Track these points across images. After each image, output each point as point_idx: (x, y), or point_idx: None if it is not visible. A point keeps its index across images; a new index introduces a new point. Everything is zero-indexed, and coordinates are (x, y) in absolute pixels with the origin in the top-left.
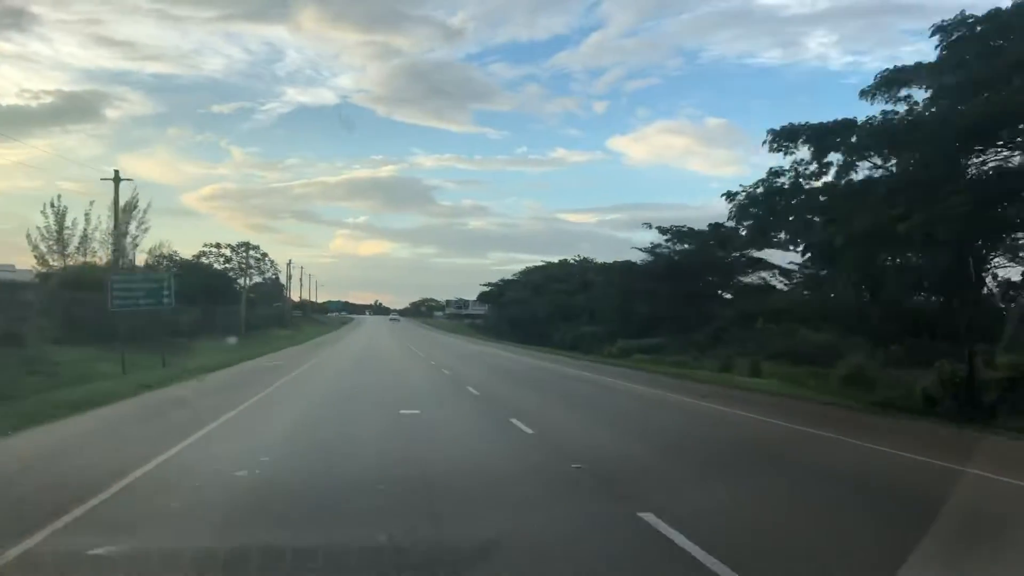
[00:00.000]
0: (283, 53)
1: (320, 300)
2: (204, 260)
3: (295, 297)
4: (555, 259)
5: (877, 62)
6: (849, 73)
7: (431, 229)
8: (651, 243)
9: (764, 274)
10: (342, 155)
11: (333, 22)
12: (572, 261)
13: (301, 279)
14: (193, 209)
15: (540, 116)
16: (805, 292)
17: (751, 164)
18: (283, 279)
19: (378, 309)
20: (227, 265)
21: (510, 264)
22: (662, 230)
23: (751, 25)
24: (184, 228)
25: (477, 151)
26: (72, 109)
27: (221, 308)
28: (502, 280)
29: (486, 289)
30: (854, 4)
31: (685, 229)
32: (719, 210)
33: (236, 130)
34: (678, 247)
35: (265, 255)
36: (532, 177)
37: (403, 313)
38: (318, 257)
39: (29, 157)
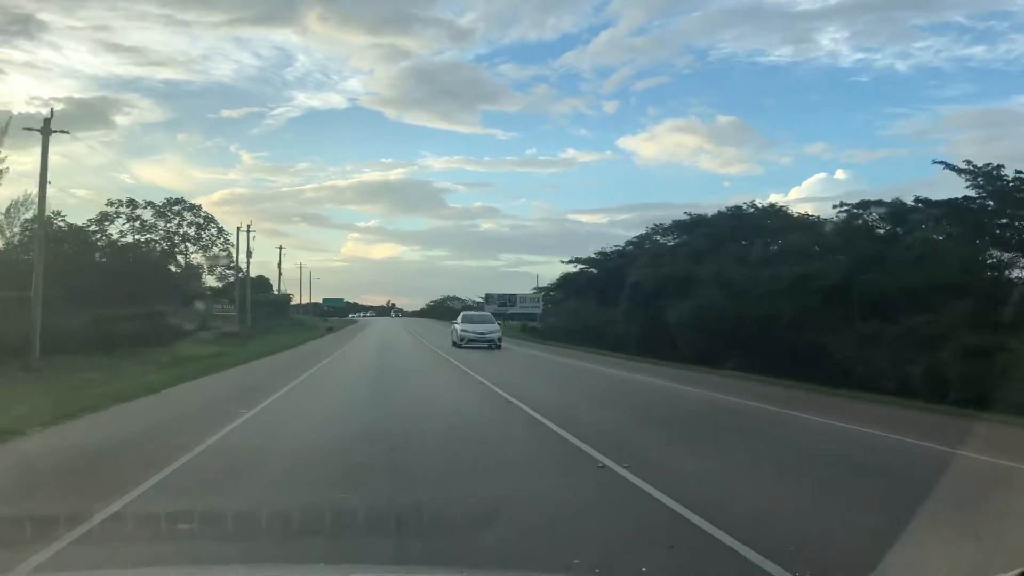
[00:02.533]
0: (292, 57)
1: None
2: (111, 232)
3: (298, 297)
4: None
5: (888, 59)
6: (860, 71)
7: (442, 231)
8: None
9: None
10: (352, 158)
11: (341, 25)
12: (726, 211)
13: (302, 279)
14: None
15: (549, 116)
16: None
17: (761, 162)
18: (243, 258)
19: (383, 310)
20: (148, 236)
21: (521, 266)
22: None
23: (761, 22)
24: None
25: (486, 153)
26: (82, 116)
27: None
28: (604, 252)
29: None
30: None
31: None
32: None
33: (246, 135)
34: None
35: (212, 220)
36: (542, 178)
37: (421, 314)
38: (330, 261)
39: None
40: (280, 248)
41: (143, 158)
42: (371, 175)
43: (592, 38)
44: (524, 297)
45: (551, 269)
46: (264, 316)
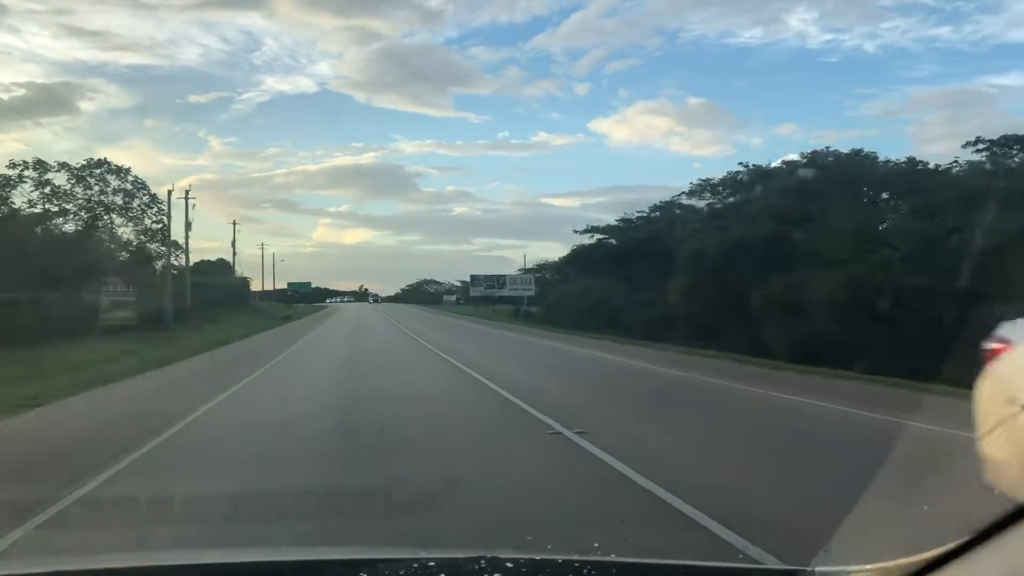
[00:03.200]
0: (260, 41)
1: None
2: (14, 201)
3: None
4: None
5: (856, 39)
6: (829, 51)
7: (414, 216)
8: None
9: None
10: (322, 143)
11: (309, 7)
12: (743, 171)
13: (263, 263)
14: (172, 201)
15: (521, 99)
16: None
17: (733, 143)
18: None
19: (361, 296)
20: (62, 204)
21: (494, 250)
22: None
23: (731, 3)
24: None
25: (458, 136)
26: (44, 102)
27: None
28: (628, 218)
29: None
30: None
31: None
32: None
33: (214, 120)
34: None
35: (143, 186)
36: (514, 161)
37: (396, 299)
38: (301, 247)
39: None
40: (234, 224)
41: (110, 144)
42: (342, 159)
43: (563, 20)
44: (514, 279)
45: (528, 253)
46: (215, 303)
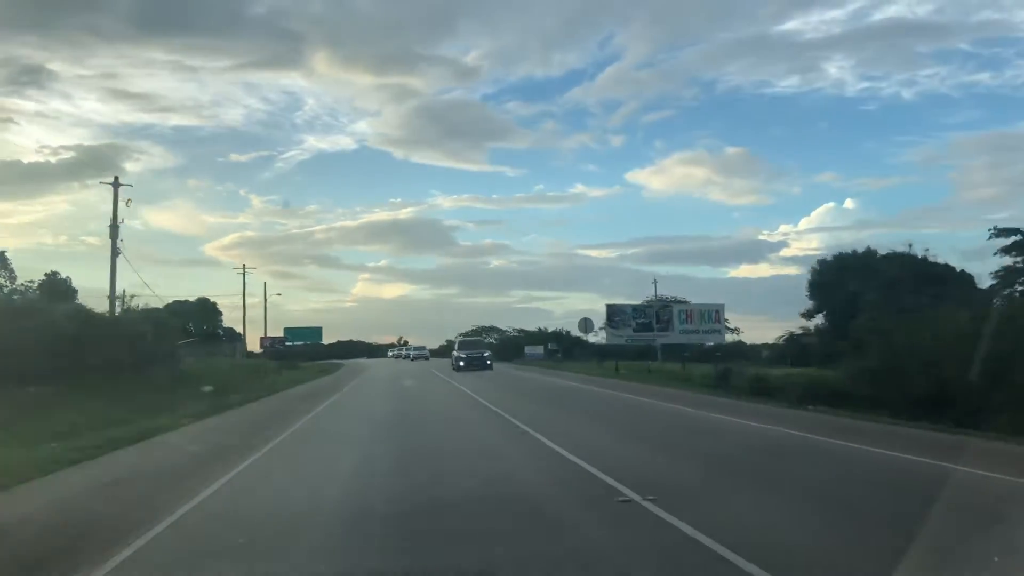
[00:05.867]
0: (301, 100)
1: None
2: None
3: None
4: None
5: (894, 87)
6: (866, 99)
7: (452, 269)
8: None
9: None
10: (361, 199)
11: (346, 65)
12: None
13: (267, 306)
14: (215, 259)
15: (557, 152)
16: None
17: (771, 192)
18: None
19: (400, 348)
20: None
21: (531, 302)
22: None
23: (767, 52)
24: (210, 277)
25: (495, 190)
26: (92, 163)
27: None
28: None
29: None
30: (871, 26)
31: None
32: (742, 239)
33: (256, 179)
34: None
35: None
36: (551, 214)
37: (436, 353)
38: (341, 302)
39: (49, 215)
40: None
41: (154, 204)
42: (380, 215)
43: (598, 73)
44: (689, 310)
45: (565, 304)
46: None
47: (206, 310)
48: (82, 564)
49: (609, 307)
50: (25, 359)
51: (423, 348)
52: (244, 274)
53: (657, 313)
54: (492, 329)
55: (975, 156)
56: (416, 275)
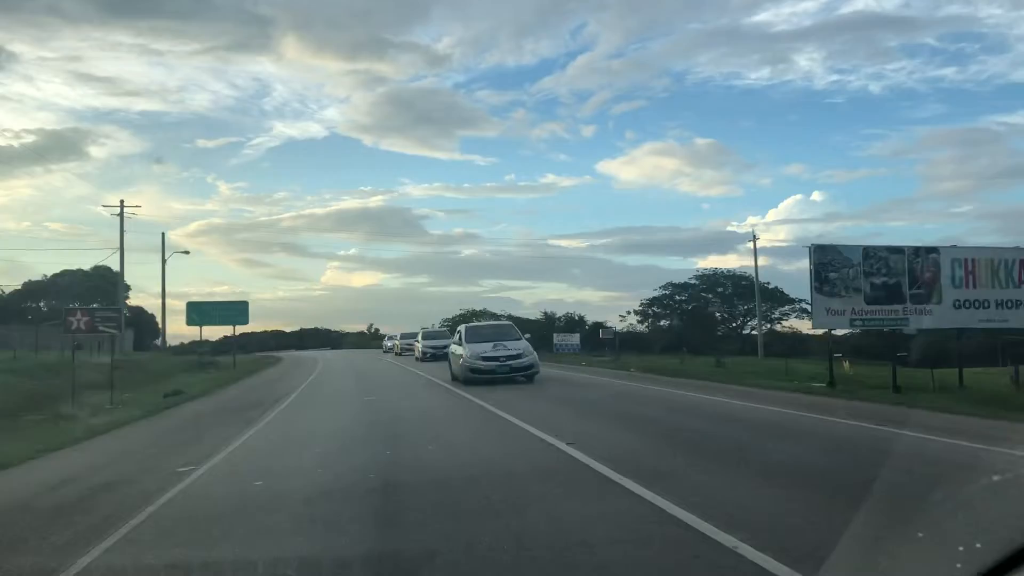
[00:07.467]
0: (270, 87)
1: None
2: None
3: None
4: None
5: (862, 80)
6: (835, 92)
7: (422, 258)
8: None
9: None
10: (330, 187)
11: (315, 50)
12: None
13: (164, 278)
14: (181, 246)
15: (528, 141)
16: None
17: (741, 183)
18: None
19: (372, 337)
20: None
21: (502, 291)
22: None
23: (738, 44)
24: (173, 265)
25: (465, 179)
26: (55, 147)
27: None
28: None
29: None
30: (840, 18)
31: None
32: (711, 231)
33: (223, 165)
34: None
35: None
36: (522, 203)
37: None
38: (310, 290)
39: (12, 199)
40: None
41: (120, 190)
42: (350, 203)
43: (569, 62)
44: (972, 258)
45: (536, 294)
46: None
47: (105, 282)
48: None
49: (818, 249)
50: None
51: (442, 334)
52: (122, 216)
53: (910, 265)
54: (485, 312)
55: (941, 150)
56: (386, 264)
